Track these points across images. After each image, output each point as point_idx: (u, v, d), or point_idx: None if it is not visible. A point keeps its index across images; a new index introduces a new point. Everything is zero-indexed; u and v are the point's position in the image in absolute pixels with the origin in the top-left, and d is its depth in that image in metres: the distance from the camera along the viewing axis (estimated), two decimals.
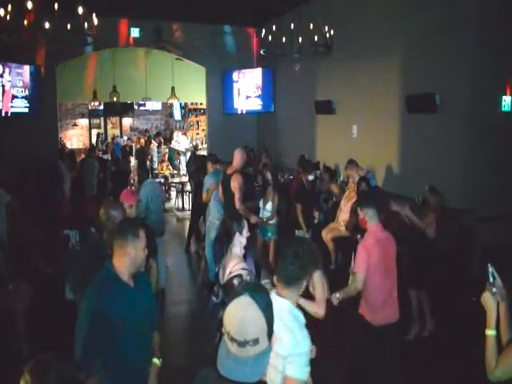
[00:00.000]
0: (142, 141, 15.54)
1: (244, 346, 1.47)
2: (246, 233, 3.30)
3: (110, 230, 3.15)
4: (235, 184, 5.56)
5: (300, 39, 5.74)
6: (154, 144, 14.70)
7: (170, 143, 16.62)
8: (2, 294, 4.54)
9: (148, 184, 6.22)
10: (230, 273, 3.11)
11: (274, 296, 2.18)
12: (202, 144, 16.09)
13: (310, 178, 6.79)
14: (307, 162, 7.85)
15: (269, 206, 6.18)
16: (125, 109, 17.45)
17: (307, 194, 6.78)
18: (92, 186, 8.98)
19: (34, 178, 7.52)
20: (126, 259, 2.42)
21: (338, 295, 3.45)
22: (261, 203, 6.30)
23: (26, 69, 9.50)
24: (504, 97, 5.78)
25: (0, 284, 4.58)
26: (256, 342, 1.48)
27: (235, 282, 3.01)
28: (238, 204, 5.49)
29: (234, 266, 3.13)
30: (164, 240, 6.32)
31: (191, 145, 15.64)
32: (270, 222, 6.15)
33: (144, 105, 17.60)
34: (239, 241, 3.27)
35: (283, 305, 2.21)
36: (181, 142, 16.10)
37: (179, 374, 3.89)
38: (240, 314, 1.50)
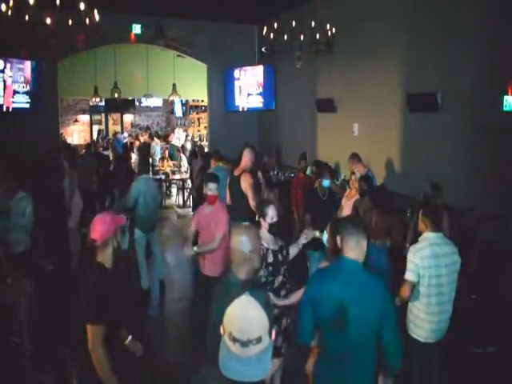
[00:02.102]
0: (145, 137, 15.53)
1: (247, 346, 1.46)
2: (270, 219, 3.42)
3: (242, 259, 2.45)
4: (246, 184, 5.40)
5: (302, 37, 5.73)
6: (157, 141, 14.71)
7: (171, 140, 16.62)
8: (1, 288, 4.56)
9: (141, 179, 6.26)
10: None
11: (433, 234, 3.47)
12: (201, 141, 16.07)
13: (326, 183, 5.75)
14: (323, 164, 6.68)
15: None
16: (126, 105, 17.42)
17: (320, 203, 5.76)
18: (91, 182, 8.93)
19: (33, 174, 7.51)
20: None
21: (195, 248, 4.42)
22: None
23: (28, 64, 9.49)
24: (506, 96, 5.75)
25: None
26: (259, 340, 1.48)
27: None
28: (252, 203, 5.33)
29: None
30: (156, 234, 6.59)
31: (192, 142, 15.64)
32: None
33: (145, 101, 17.57)
34: (263, 225, 3.47)
35: (441, 234, 3.54)
36: (181, 139, 16.12)
37: (179, 370, 3.91)
38: (242, 314, 1.49)
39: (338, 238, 2.54)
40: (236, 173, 5.60)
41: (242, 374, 1.47)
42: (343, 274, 2.47)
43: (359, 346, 2.43)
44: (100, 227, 2.71)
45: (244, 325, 1.47)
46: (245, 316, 1.48)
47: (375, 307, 2.40)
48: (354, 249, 2.47)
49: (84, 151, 10.12)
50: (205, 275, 4.51)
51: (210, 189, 4.55)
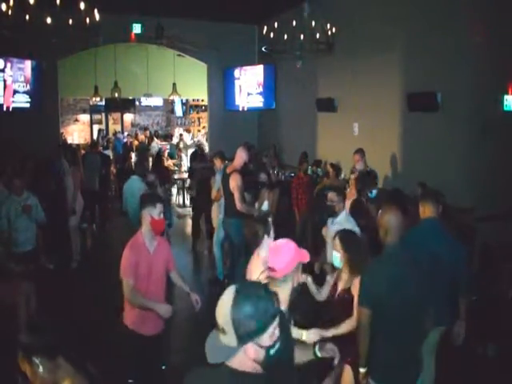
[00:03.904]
0: (141, 136, 15.54)
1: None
2: (272, 233, 3.19)
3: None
4: (234, 184, 5.49)
5: (302, 37, 5.73)
6: (157, 141, 14.71)
7: (171, 140, 16.61)
8: (2, 287, 4.56)
9: (129, 180, 6.20)
10: None
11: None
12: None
13: (374, 193, 5.35)
14: (369, 174, 5.96)
15: (265, 205, 6.16)
16: (126, 104, 17.39)
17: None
18: (94, 182, 8.91)
19: (33, 173, 7.51)
20: None
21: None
22: (256, 205, 6.27)
23: (28, 64, 9.49)
24: (506, 96, 5.76)
25: None
26: (223, 331, 1.51)
27: None
28: (238, 204, 5.41)
29: (261, 274, 2.75)
30: None
31: (192, 141, 15.64)
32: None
33: (145, 100, 17.55)
34: (267, 243, 3.11)
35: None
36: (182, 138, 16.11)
37: (183, 372, 3.88)
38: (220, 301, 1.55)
39: (424, 206, 3.61)
40: (228, 170, 5.70)
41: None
42: (435, 230, 3.56)
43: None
44: (283, 255, 2.14)
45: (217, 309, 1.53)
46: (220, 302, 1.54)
47: (456, 252, 3.52)
48: (434, 210, 3.60)
49: (89, 150, 10.09)
50: (145, 337, 3.43)
51: (159, 212, 3.38)
